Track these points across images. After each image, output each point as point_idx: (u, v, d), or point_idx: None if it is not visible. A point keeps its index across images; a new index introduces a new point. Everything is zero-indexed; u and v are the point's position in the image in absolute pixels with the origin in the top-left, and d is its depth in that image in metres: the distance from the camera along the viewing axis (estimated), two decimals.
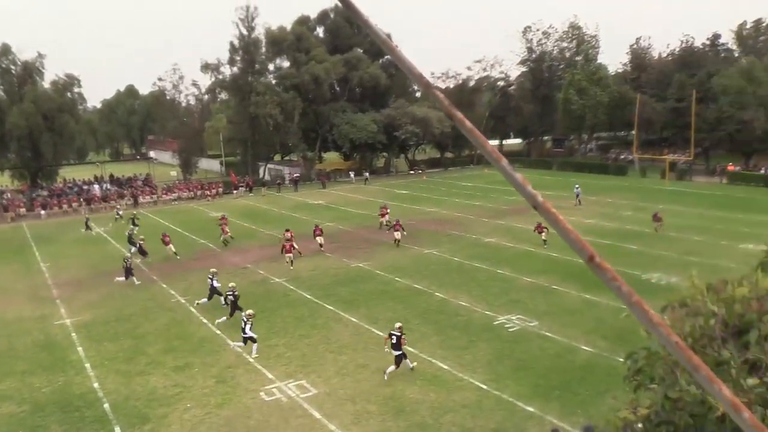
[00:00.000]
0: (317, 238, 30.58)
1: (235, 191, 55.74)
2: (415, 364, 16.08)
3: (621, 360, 4.64)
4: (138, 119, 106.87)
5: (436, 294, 22.79)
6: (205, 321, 20.55)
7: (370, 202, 48.65)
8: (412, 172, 73.06)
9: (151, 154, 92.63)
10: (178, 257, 29.85)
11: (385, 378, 15.53)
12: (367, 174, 65.14)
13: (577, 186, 41.74)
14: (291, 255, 27.14)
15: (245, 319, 17.65)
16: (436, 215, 41.22)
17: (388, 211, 35.95)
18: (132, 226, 34.65)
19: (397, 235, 30.57)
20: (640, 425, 4.20)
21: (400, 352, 15.58)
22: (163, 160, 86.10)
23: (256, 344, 17.57)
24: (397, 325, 16.11)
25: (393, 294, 23.03)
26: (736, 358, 3.92)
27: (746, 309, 4.23)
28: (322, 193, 55.85)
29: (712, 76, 59.52)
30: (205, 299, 22.04)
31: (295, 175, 61.19)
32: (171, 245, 30.13)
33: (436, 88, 1.60)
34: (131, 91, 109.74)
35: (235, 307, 20.10)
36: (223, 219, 35.51)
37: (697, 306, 4.49)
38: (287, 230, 30.60)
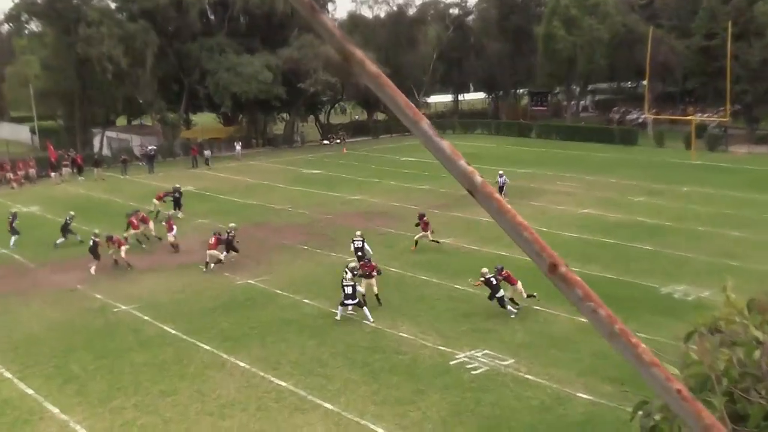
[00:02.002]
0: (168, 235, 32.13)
1: (54, 173, 53.88)
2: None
3: (630, 411, 4.78)
4: None
5: (365, 322, 23.00)
6: None
7: (264, 187, 48.43)
8: (326, 142, 73.54)
9: None
10: None
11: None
12: (252, 143, 64.86)
13: (501, 174, 40.84)
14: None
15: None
16: (363, 205, 41.81)
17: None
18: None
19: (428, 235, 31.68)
20: None
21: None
22: None
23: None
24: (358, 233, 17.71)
25: (301, 324, 23.14)
26: None
27: None
28: (192, 174, 55.13)
29: (755, 2, 59.06)
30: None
31: (149, 148, 60.09)
32: None
33: (327, 13, 1.55)
34: None
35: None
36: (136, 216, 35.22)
37: (735, 332, 4.63)
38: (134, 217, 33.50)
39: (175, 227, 32.57)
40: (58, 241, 33.99)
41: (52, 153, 56.32)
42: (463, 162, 1.49)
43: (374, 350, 20.96)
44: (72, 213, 35.31)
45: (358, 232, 29.35)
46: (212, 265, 29.17)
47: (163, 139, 65.54)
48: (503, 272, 23.59)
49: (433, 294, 25.67)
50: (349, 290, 22.89)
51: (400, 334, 22.04)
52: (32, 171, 54.81)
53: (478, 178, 1.48)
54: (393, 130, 78.77)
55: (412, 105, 1.52)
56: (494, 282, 22.98)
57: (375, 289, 24.21)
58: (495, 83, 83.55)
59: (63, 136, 66.37)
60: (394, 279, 27.41)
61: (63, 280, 28.84)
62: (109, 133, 69.40)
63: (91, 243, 29.61)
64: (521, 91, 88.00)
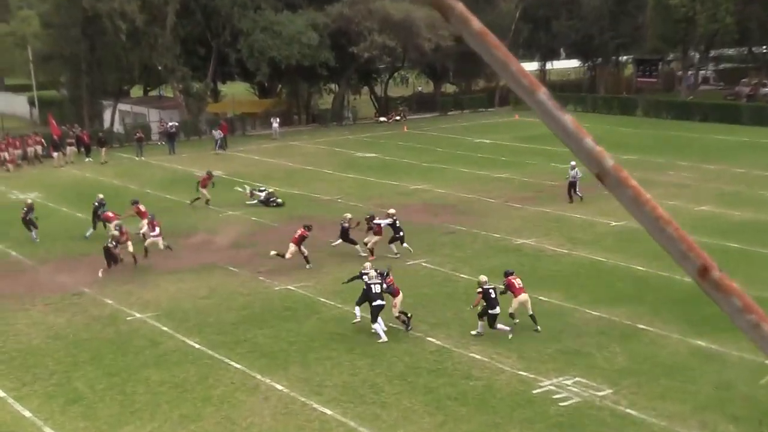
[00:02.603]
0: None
1: (56, 153, 55.02)
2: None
3: None
4: None
5: (429, 339, 23.05)
6: None
7: (307, 174, 48.74)
8: (383, 119, 73.66)
9: None
10: None
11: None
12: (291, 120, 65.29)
13: (573, 165, 38.72)
14: None
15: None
16: (428, 197, 41.88)
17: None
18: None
19: (369, 241, 31.15)
20: None
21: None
22: None
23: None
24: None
25: (350, 340, 23.25)
26: None
27: None
28: (220, 156, 55.73)
29: None
30: None
31: (169, 124, 61.02)
32: None
33: None
34: None
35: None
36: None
37: None
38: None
39: (158, 228, 31.91)
40: (88, 233, 34.85)
41: (55, 129, 57.42)
42: (589, 141, 1.49)
43: (439, 374, 20.96)
44: (101, 196, 35.98)
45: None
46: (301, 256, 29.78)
47: (186, 114, 66.40)
48: (510, 277, 23.73)
49: (506, 304, 25.54)
50: (377, 288, 23.20)
51: (471, 354, 22.00)
52: (36, 149, 55.74)
53: (609, 161, 1.49)
54: (465, 106, 78.64)
55: (527, 71, 1.54)
56: (493, 295, 22.96)
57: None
58: (592, 48, 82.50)
59: (67, 109, 67.65)
60: (465, 287, 27.38)
61: (68, 281, 29.41)
62: (121, 106, 70.62)
63: (110, 243, 29.97)
64: (625, 58, 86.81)
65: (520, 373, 20.84)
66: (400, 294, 24.01)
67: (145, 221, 32.95)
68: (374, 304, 23.24)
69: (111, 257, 29.63)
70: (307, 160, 53.36)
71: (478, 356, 21.89)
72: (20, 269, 31.42)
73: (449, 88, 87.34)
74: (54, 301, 27.30)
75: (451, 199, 41.09)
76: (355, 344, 22.98)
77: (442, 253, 31.56)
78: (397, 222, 31.40)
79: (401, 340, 23.07)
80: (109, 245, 29.71)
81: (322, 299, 26.79)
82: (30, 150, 55.58)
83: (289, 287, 28.08)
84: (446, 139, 61.40)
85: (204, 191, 39.91)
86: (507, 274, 24.09)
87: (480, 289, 23.02)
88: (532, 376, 20.66)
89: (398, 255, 30.91)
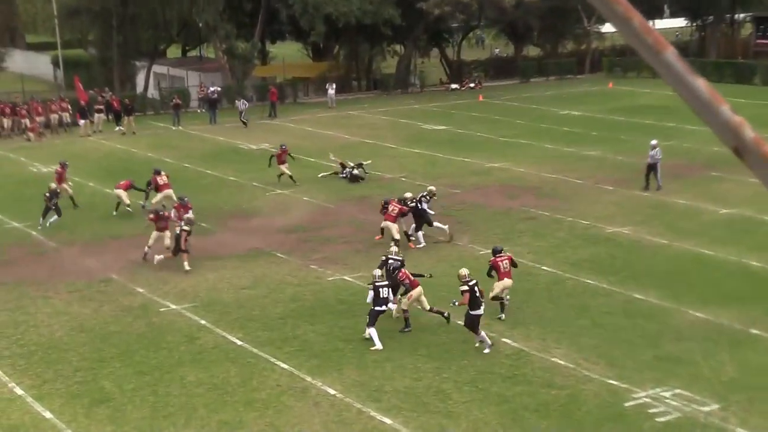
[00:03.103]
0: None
1: (82, 121, 55.78)
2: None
3: None
4: None
5: (504, 340, 23.02)
6: None
7: (367, 147, 48.79)
8: (455, 86, 73.43)
9: None
10: None
11: None
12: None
13: (653, 144, 38.18)
14: None
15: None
16: (505, 177, 41.84)
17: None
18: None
19: (394, 230, 30.39)
20: None
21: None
22: None
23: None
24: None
25: (414, 339, 23.30)
26: None
27: None
28: (268, 126, 56.05)
29: None
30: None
31: (211, 89, 61.48)
32: None
33: None
34: None
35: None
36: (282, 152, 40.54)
37: None
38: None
39: (191, 211, 31.78)
40: (144, 203, 36.05)
41: (81, 93, 58.19)
42: (726, 109, 1.47)
43: (516, 381, 20.87)
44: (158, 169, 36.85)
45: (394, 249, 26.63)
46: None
47: (229, 78, 66.85)
48: (497, 258, 24.17)
49: (601, 305, 25.45)
50: (384, 292, 23.06)
51: (554, 359, 21.89)
52: (62, 116, 56.40)
53: (749, 133, 1.46)
54: (550, 72, 78.09)
55: (652, 28, 1.52)
56: (477, 292, 22.39)
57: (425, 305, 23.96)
58: (702, 5, 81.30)
59: (96, 71, 68.56)
60: (546, 282, 27.38)
61: (94, 266, 29.79)
62: (157, 68, 71.35)
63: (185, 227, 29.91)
64: (742, 16, 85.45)
65: (611, 382, 20.67)
66: (419, 287, 23.79)
67: (161, 195, 33.77)
68: (377, 308, 23.04)
69: (180, 245, 29.47)
70: (366, 133, 53.44)
71: (561, 361, 21.79)
72: (41, 251, 31.92)
73: (532, 50, 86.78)
74: (79, 289, 27.65)
75: (533, 179, 40.95)
76: (420, 344, 22.98)
77: (521, 242, 31.40)
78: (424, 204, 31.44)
79: (472, 341, 23.01)
80: (185, 229, 29.40)
81: None
82: (54, 117, 56.20)
83: (344, 277, 28.15)
84: (528, 110, 61.03)
85: (283, 167, 39.98)
86: (495, 252, 24.43)
87: (466, 287, 22.36)
88: (624, 386, 20.48)
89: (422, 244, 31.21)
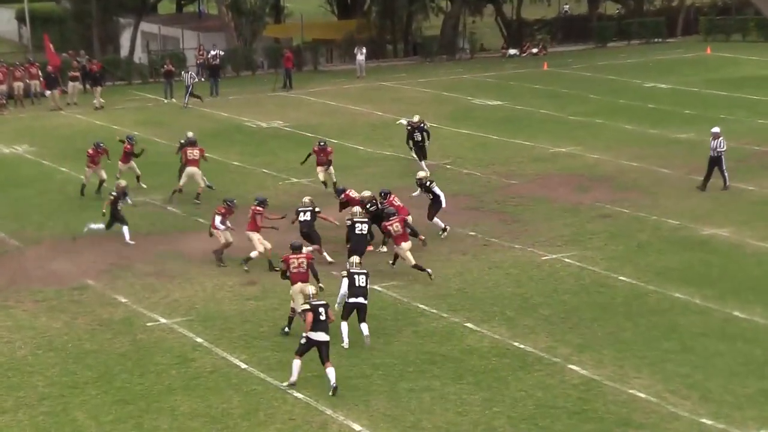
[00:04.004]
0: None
1: (50, 91, 56.00)
2: None
3: None
4: None
5: (571, 367, 22.97)
6: None
7: (402, 126, 48.78)
8: (514, 51, 73.27)
9: None
10: None
11: None
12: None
13: (716, 132, 37.86)
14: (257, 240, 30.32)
15: None
16: (574, 164, 41.83)
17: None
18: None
19: (405, 247, 30.63)
20: None
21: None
22: None
23: None
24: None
25: (458, 363, 23.32)
26: None
27: None
28: (282, 99, 56.07)
29: None
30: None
31: (212, 53, 61.58)
32: None
33: None
34: None
35: None
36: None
37: None
38: None
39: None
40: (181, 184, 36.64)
41: (53, 56, 58.49)
42: None
43: (585, 417, 20.74)
44: (191, 134, 37.61)
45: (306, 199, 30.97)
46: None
47: (235, 40, 66.96)
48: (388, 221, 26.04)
49: (693, 325, 25.27)
50: (361, 281, 24.18)
51: (632, 391, 21.75)
52: (31, 84, 56.67)
53: None
54: (633, 34, 77.73)
55: None
56: (321, 314, 22.25)
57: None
58: None
59: (70, 29, 68.83)
60: (624, 295, 27.27)
61: (67, 270, 29.78)
62: (146, 26, 71.52)
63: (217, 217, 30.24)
64: None
65: (703, 421, 20.45)
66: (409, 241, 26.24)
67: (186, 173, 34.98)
68: (352, 301, 24.13)
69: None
70: (403, 108, 53.28)
71: (641, 394, 21.66)
72: (1, 252, 32.08)
73: (610, 7, 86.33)
74: (47, 298, 27.61)
75: (609, 168, 40.84)
76: (465, 370, 22.92)
77: (593, 246, 31.36)
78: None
79: (531, 366, 22.99)
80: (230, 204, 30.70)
81: (420, 306, 26.79)
82: (18, 85, 56.43)
83: (374, 287, 27.84)
84: (604, 81, 60.84)
85: (322, 173, 38.77)
86: (384, 195, 26.55)
87: (307, 306, 22.32)
88: (721, 426, 20.28)
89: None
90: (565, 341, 24.30)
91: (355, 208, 30.16)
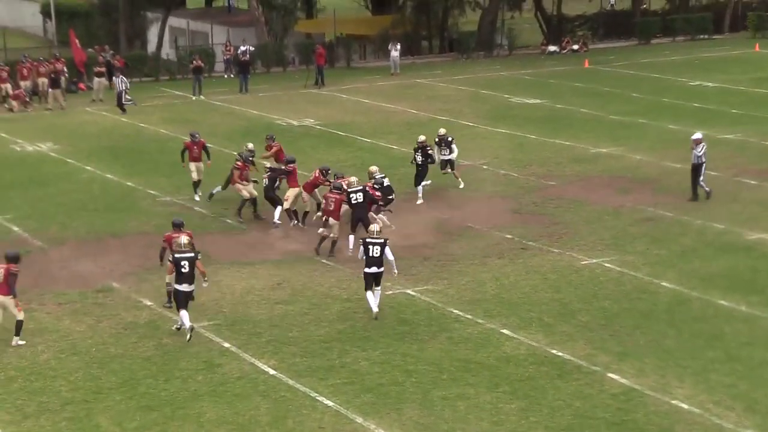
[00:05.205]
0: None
1: (79, 87, 56.26)
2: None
3: None
4: None
5: (611, 376, 22.89)
6: None
7: (440, 126, 48.78)
8: (554, 48, 73.13)
9: None
10: None
11: None
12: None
13: (697, 139, 36.86)
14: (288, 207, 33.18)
15: None
16: (616, 166, 41.75)
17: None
18: None
19: (322, 231, 31.91)
20: None
21: None
22: None
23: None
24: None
25: (494, 372, 23.25)
26: None
27: None
28: (313, 96, 56.14)
29: None
30: None
31: (241, 49, 61.69)
32: None
33: None
34: None
35: None
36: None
37: None
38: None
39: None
40: (215, 190, 36.40)
41: (78, 51, 58.81)
42: None
43: (625, 428, 20.64)
44: (250, 145, 37.18)
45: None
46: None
47: (265, 35, 67.08)
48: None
49: (739, 333, 25.12)
50: (376, 251, 26.00)
51: (674, 402, 21.65)
52: (58, 80, 56.73)
53: None
54: (678, 30, 77.49)
55: None
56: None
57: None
58: None
59: (96, 24, 69.14)
60: (667, 302, 27.16)
61: (91, 272, 29.87)
62: (174, 21, 71.74)
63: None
64: None
65: None
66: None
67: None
68: (367, 271, 26.08)
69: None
70: (438, 106, 53.38)
71: (684, 405, 21.56)
72: (25, 252, 31.87)
73: (655, 3, 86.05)
74: (71, 300, 27.72)
75: (652, 169, 40.69)
76: (501, 378, 22.88)
77: (635, 250, 31.26)
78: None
79: (570, 375, 22.94)
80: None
81: (455, 311, 26.72)
82: (43, 81, 56.58)
83: (407, 291, 28.08)
84: (647, 79, 60.64)
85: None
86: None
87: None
88: None
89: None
90: (605, 349, 24.23)
91: (352, 178, 32.27)
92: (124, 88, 54.85)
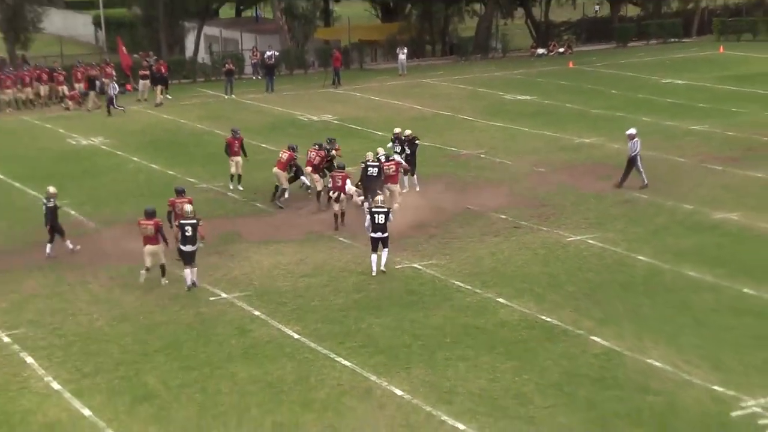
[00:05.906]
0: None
1: (126, 88, 56.39)
2: None
3: None
4: None
5: (594, 339, 22.96)
6: None
7: (442, 120, 48.75)
8: (542, 51, 73.01)
9: None
10: None
11: None
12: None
13: (631, 134, 36.51)
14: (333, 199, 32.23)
15: None
16: (597, 154, 41.87)
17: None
18: None
19: (336, 207, 32.07)
20: None
21: None
22: None
23: None
24: None
25: (491, 335, 23.35)
26: None
27: None
28: (331, 95, 56.12)
29: None
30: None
31: (267, 54, 61.71)
32: None
33: None
34: None
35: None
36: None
37: None
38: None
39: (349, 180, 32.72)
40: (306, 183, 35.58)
41: (125, 57, 58.88)
42: None
43: (606, 384, 20.71)
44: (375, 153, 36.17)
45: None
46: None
47: (288, 41, 67.03)
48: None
49: (705, 302, 25.19)
50: (381, 218, 27.01)
51: (649, 361, 21.70)
52: (107, 84, 56.65)
53: None
54: (652, 34, 77.37)
55: None
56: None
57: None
58: None
59: (140, 33, 69.15)
60: (643, 274, 27.22)
61: (139, 250, 29.91)
62: (208, 30, 71.74)
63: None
64: None
65: (715, 388, 20.40)
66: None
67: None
68: (373, 236, 27.18)
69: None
70: (441, 103, 53.37)
71: (658, 363, 21.62)
72: (80, 233, 32.16)
73: (631, 10, 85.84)
74: (121, 275, 28.02)
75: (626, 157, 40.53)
76: (497, 341, 22.94)
77: (615, 229, 31.34)
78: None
79: (558, 338, 22.99)
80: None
81: (456, 282, 26.83)
82: (87, 85, 56.64)
83: (414, 265, 28.23)
84: (624, 78, 60.52)
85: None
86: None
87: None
88: (730, 393, 20.19)
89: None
90: (589, 315, 24.30)
91: (368, 153, 33.23)
92: (114, 93, 54.12)
